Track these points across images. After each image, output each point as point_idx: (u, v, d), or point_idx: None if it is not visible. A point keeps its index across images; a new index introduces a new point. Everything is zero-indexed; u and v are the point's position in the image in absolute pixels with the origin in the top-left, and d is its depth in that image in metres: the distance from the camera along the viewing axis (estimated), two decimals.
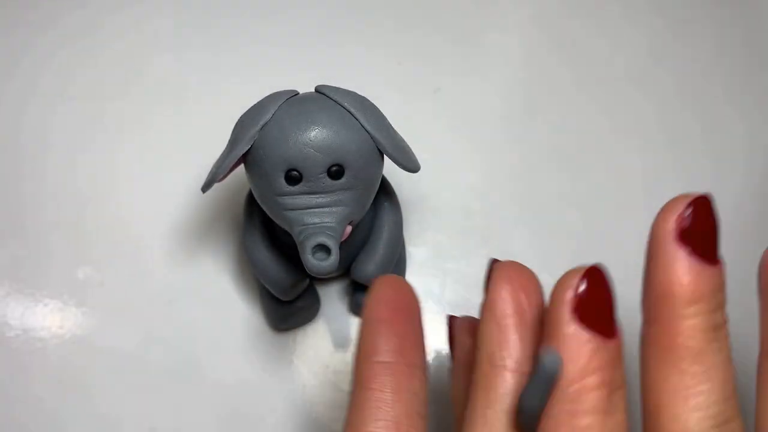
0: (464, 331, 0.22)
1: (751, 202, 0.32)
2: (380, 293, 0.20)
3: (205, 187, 0.24)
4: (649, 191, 0.32)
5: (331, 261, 0.21)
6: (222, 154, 0.24)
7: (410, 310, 0.20)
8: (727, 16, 0.36)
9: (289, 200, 0.22)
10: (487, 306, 0.19)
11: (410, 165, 0.24)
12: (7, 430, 0.27)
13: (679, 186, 0.32)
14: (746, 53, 0.35)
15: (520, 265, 0.20)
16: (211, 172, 0.24)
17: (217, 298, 0.29)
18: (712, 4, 0.36)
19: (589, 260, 0.31)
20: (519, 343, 0.18)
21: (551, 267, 0.30)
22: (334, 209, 0.22)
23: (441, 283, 0.30)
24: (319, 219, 0.22)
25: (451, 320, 0.23)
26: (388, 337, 0.19)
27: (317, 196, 0.22)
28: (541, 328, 0.18)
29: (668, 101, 0.34)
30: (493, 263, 0.20)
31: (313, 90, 0.23)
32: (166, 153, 0.31)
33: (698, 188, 0.32)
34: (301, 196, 0.22)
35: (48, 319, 0.29)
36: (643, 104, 0.34)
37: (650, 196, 0.32)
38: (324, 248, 0.21)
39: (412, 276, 0.30)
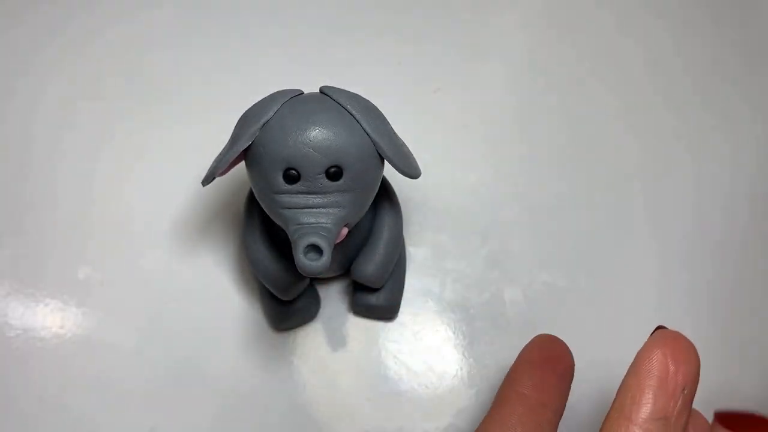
0: None
1: (752, 203, 0.32)
2: (537, 343, 0.24)
3: (205, 181, 0.24)
4: (650, 191, 0.32)
5: (323, 262, 0.21)
6: (223, 148, 0.24)
7: (558, 362, 0.24)
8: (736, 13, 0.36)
9: (286, 198, 0.22)
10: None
11: (411, 171, 0.24)
12: (8, 429, 0.27)
13: (679, 186, 0.32)
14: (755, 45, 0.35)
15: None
16: (211, 166, 0.24)
17: (217, 297, 0.29)
18: None
19: (588, 259, 0.31)
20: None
21: (551, 267, 0.31)
22: (330, 210, 0.22)
23: (441, 283, 0.30)
24: (315, 219, 0.22)
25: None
26: (530, 375, 0.23)
27: (314, 196, 0.22)
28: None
29: (669, 101, 0.34)
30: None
31: (317, 90, 0.23)
32: (167, 153, 0.31)
33: (699, 188, 0.32)
34: (299, 196, 0.22)
35: (48, 319, 0.29)
36: (644, 104, 0.34)
37: (652, 196, 0.32)
38: (316, 248, 0.21)
39: (412, 276, 0.30)
